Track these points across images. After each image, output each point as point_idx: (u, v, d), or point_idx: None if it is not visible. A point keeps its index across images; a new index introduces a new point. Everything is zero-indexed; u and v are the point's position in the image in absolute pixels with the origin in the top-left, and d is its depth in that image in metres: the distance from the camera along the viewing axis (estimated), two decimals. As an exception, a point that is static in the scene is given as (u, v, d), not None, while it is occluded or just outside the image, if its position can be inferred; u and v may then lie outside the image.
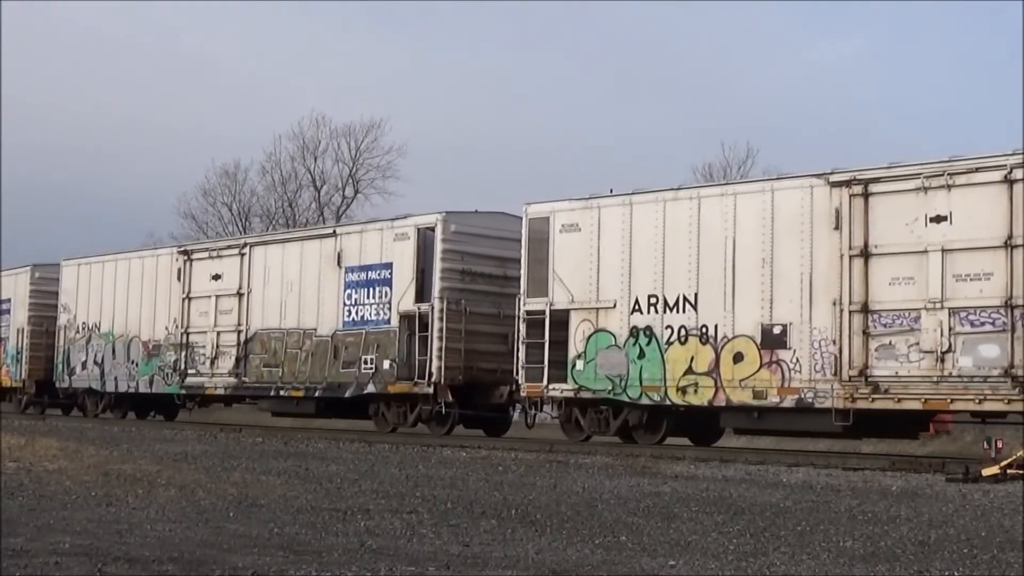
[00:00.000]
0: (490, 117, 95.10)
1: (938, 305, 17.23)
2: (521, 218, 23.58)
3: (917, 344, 17.42)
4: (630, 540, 9.51)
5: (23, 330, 34.89)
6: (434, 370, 22.81)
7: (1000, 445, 16.69)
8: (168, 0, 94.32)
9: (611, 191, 21.55)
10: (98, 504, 11.33)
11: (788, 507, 12.01)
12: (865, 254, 17.96)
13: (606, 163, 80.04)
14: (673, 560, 8.52)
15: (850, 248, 18.08)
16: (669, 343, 19.90)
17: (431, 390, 22.91)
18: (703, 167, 55.22)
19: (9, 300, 36.06)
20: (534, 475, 15.37)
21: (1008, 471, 15.18)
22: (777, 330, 18.74)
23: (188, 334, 28.58)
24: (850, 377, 17.96)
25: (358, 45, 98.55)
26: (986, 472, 15.20)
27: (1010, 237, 16.71)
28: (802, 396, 18.45)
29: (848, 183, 18.24)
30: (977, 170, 17.14)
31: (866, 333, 17.89)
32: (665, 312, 20.00)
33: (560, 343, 21.29)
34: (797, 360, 18.51)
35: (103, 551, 8.13)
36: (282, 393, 26.01)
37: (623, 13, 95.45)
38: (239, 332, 27.12)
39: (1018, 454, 15.67)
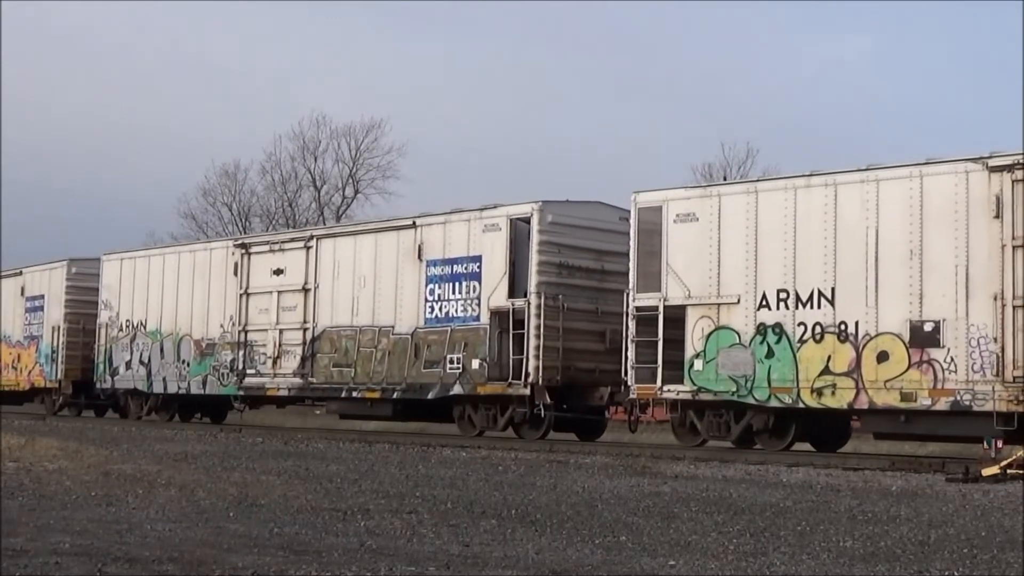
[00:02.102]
0: (490, 117, 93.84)
1: (1118, 299, 15.85)
2: (618, 208, 22.27)
3: (1095, 342, 16.03)
4: (630, 540, 9.46)
5: (59, 328, 33.11)
6: (531, 370, 21.27)
7: (1000, 445, 16.31)
8: (168, 0, 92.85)
9: (724, 179, 20.11)
10: (98, 504, 11.27)
11: (788, 507, 11.91)
12: (1032, 244, 16.56)
13: (606, 163, 79.28)
14: (673, 560, 8.48)
15: (1013, 238, 16.67)
16: (802, 341, 18.42)
17: (527, 391, 21.36)
18: (703, 167, 54.53)
19: (42, 296, 34.30)
20: (534, 475, 15.11)
21: (1008, 471, 14.80)
22: (928, 327, 17.27)
23: (246, 332, 26.96)
24: (1015, 378, 16.53)
25: (358, 45, 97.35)
26: (986, 472, 14.80)
27: None
28: (958, 398, 17.00)
29: (1010, 167, 16.82)
30: None
31: (1033, 330, 16.48)
32: (797, 308, 18.52)
33: (674, 341, 19.82)
34: (952, 359, 17.05)
35: (103, 551, 8.11)
36: (355, 395, 24.42)
37: (623, 13, 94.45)
38: (305, 330, 25.52)
39: (1018, 454, 15.18)
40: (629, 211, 20.78)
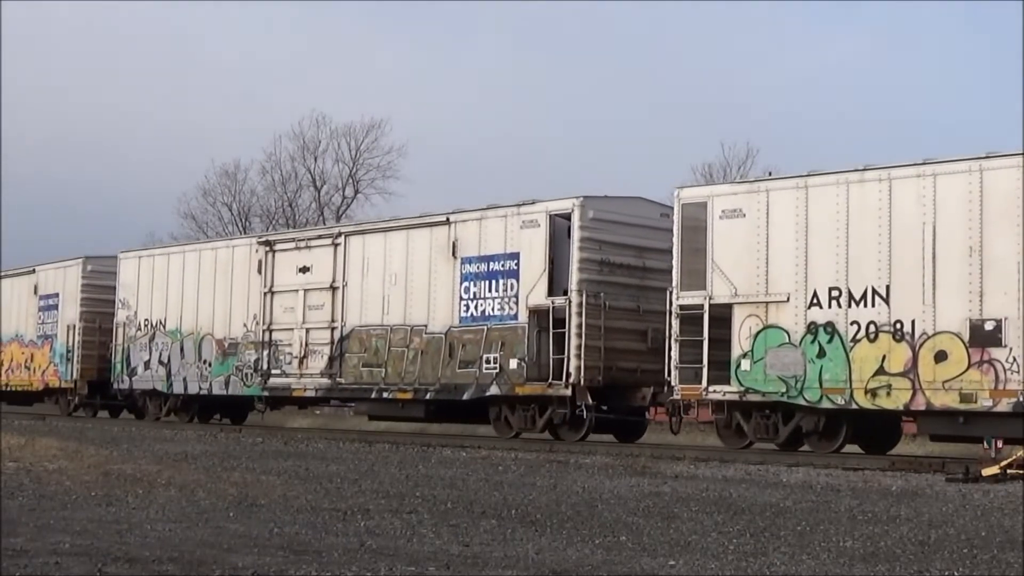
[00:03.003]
0: (490, 117, 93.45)
1: None
2: (660, 204, 21.88)
3: None
4: (630, 540, 9.50)
5: (74, 327, 32.55)
6: (572, 370, 20.79)
7: (1000, 445, 16.20)
8: (169, 0, 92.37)
9: (769, 174, 19.69)
10: (98, 504, 11.30)
11: (788, 507, 11.93)
12: (1098, 240, 16.12)
13: (606, 162, 78.89)
14: (673, 560, 8.51)
15: (1079, 233, 16.25)
16: (855, 340, 17.96)
17: (568, 392, 20.89)
18: (703, 167, 54.54)
19: (56, 295, 33.76)
20: (534, 475, 15.11)
21: (1008, 471, 14.78)
22: (989, 326, 16.83)
23: (271, 331, 26.46)
24: (1081, 378, 16.12)
25: (358, 45, 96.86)
26: (986, 472, 14.78)
27: None
28: (1021, 399, 16.55)
29: (1076, 161, 16.39)
30: None
31: (1100, 329, 16.05)
32: (850, 306, 18.07)
33: (719, 341, 19.36)
34: (1014, 359, 16.60)
35: (103, 551, 8.13)
36: (385, 395, 23.92)
37: (623, 12, 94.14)
38: (333, 329, 25.02)
39: (1018, 454, 15.11)
40: (671, 207, 20.37)
